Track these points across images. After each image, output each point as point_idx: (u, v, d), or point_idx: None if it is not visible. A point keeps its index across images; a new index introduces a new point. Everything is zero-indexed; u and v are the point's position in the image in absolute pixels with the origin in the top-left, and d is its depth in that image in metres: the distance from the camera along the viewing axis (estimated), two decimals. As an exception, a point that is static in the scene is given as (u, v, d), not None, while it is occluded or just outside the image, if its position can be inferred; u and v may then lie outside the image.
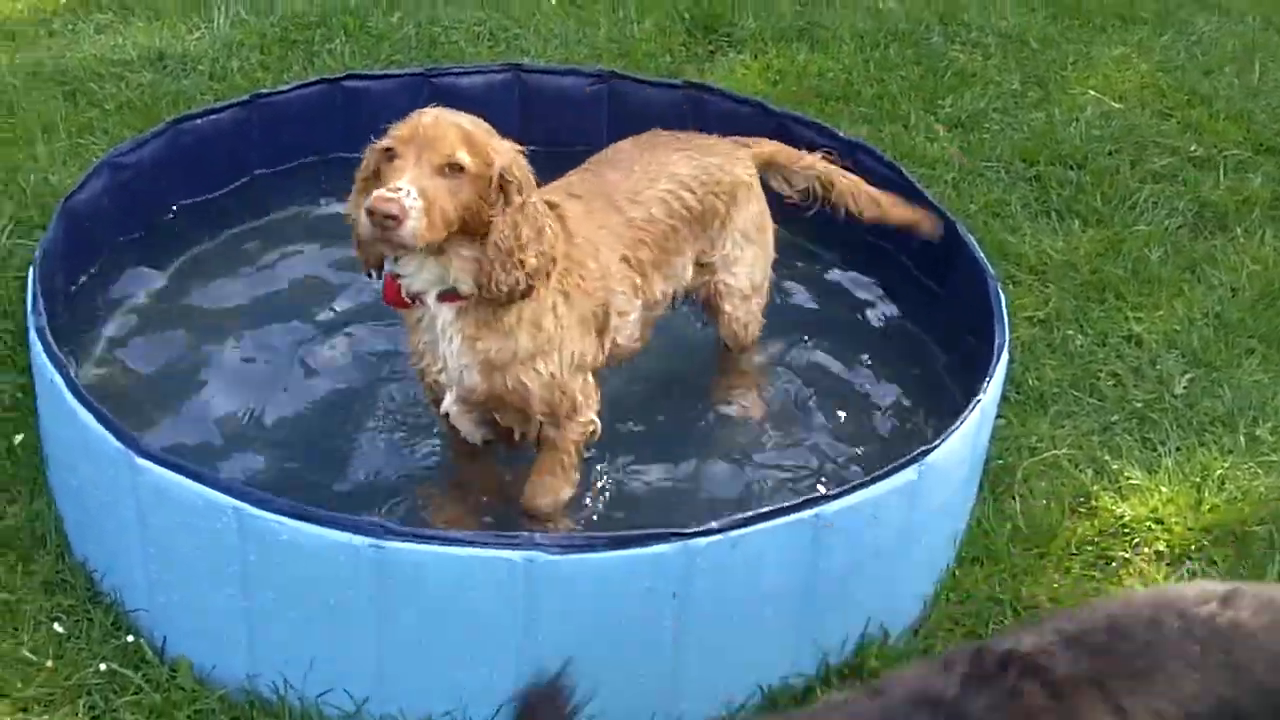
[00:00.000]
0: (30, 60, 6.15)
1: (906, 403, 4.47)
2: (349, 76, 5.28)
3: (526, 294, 3.58)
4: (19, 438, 4.21)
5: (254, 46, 6.26)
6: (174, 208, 4.99)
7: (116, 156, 4.72)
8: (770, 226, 4.36)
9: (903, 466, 3.57)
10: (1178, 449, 4.57)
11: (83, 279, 4.59)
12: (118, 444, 3.47)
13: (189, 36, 6.33)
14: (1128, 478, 4.43)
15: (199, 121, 4.97)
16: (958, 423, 3.72)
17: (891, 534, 3.63)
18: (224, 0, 6.53)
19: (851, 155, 4.88)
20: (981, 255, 4.45)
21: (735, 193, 4.23)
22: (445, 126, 3.49)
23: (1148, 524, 4.30)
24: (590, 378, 3.87)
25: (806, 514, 3.41)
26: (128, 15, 6.52)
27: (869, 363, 4.63)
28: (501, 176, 3.52)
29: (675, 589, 3.32)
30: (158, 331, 4.61)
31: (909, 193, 4.70)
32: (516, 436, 3.88)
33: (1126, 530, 4.28)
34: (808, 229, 4.97)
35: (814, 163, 4.45)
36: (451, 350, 3.70)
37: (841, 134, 4.97)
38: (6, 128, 5.66)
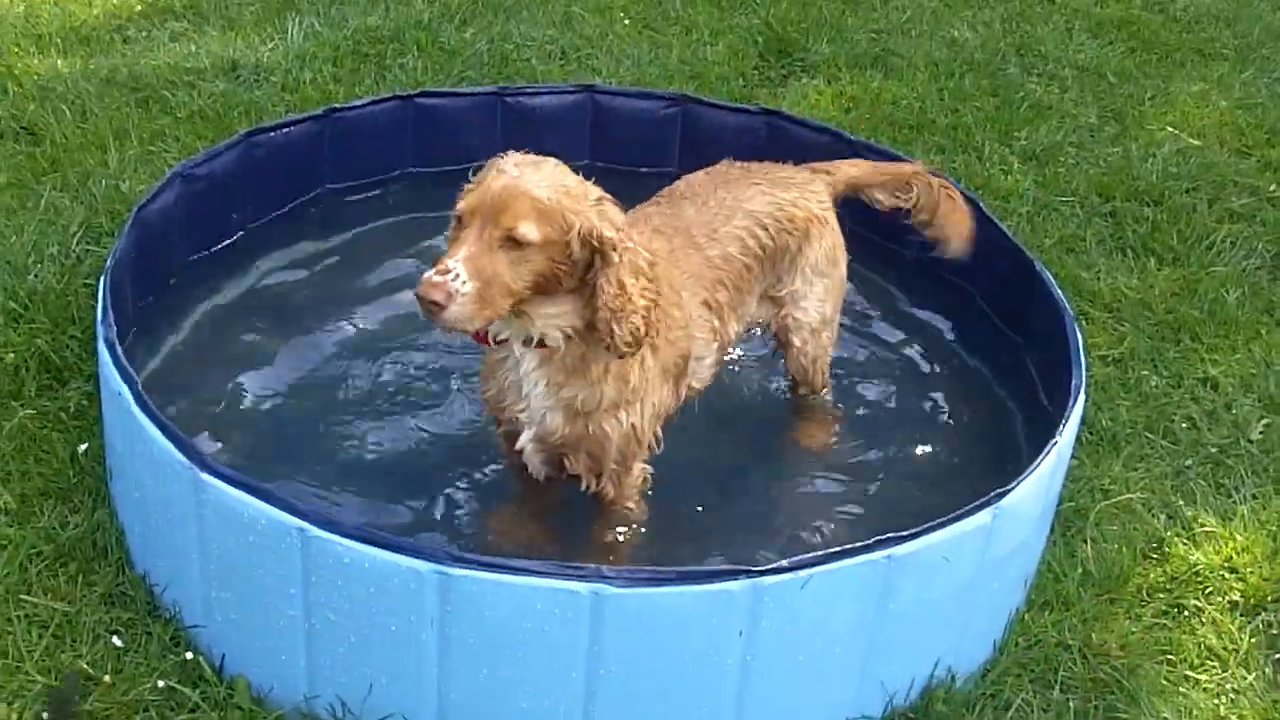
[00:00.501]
0: (104, 66, 6.18)
1: (979, 442, 4.40)
2: (422, 94, 5.27)
3: (643, 341, 3.51)
4: (83, 447, 4.21)
5: (327, 59, 6.27)
6: (246, 221, 4.99)
7: (189, 168, 4.72)
8: (843, 259, 4.29)
9: (977, 509, 3.50)
10: (1253, 496, 4.48)
11: (152, 289, 4.59)
12: (183, 459, 3.45)
13: (262, 47, 6.34)
14: (1201, 524, 4.34)
15: (272, 134, 4.98)
16: (1033, 466, 3.65)
17: (963, 577, 3.56)
18: (298, 12, 6.55)
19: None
20: (1059, 293, 4.38)
21: (808, 229, 4.16)
22: (513, 196, 3.35)
23: (1221, 572, 4.21)
24: (659, 428, 3.82)
25: (878, 555, 3.34)
26: (202, 24, 6.54)
27: (942, 401, 4.57)
28: (587, 239, 3.39)
29: (742, 626, 3.27)
30: (225, 346, 4.61)
31: (986, 226, 4.63)
32: (583, 485, 3.81)
33: (1199, 578, 4.19)
34: (882, 264, 4.93)
35: (902, 171, 4.40)
36: (536, 393, 3.65)
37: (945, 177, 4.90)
38: (79, 133, 5.68)
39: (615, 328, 3.44)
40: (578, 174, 3.55)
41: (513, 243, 3.34)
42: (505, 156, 3.50)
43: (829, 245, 4.22)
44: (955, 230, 4.40)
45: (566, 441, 3.69)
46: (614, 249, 3.41)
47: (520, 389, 3.67)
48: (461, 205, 3.41)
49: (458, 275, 3.29)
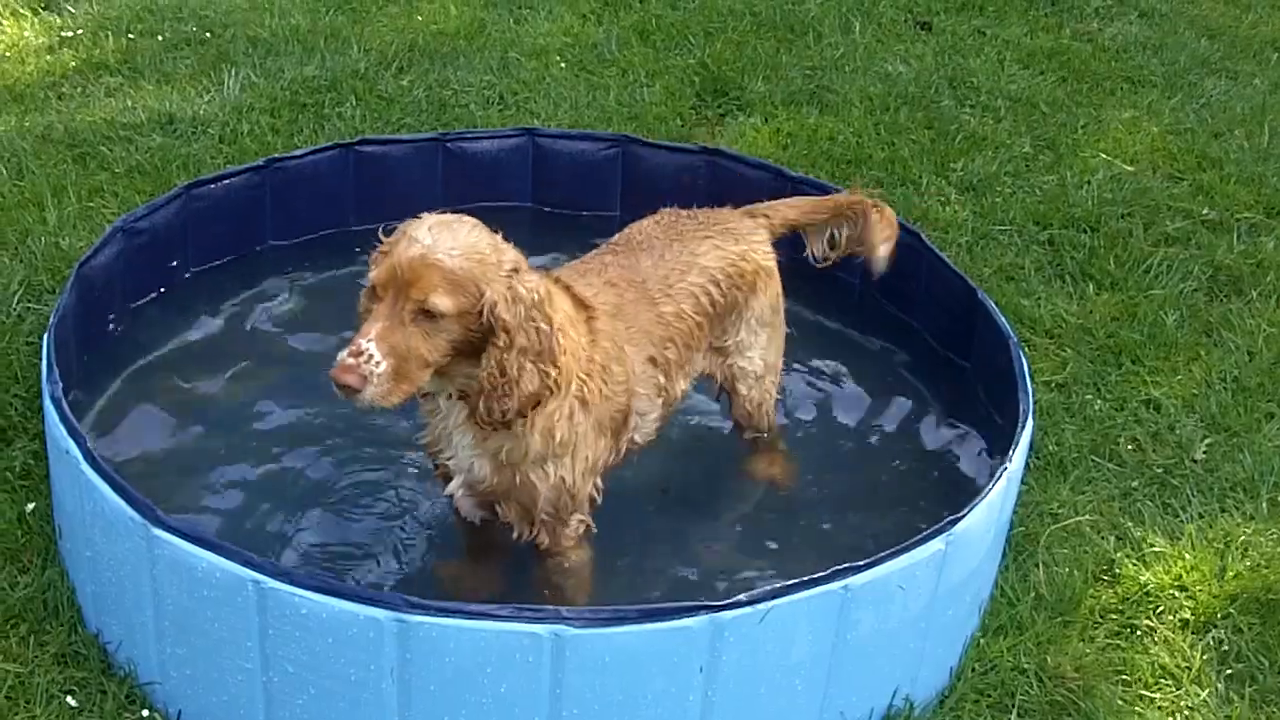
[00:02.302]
0: (40, 123, 6.14)
1: (929, 470, 4.44)
2: (363, 141, 5.27)
3: (517, 419, 3.48)
4: (30, 506, 4.16)
5: (264, 110, 6.25)
6: (187, 273, 4.97)
7: (130, 221, 4.70)
8: (782, 305, 4.32)
9: (930, 537, 3.53)
10: (1200, 515, 4.53)
11: (96, 345, 4.56)
12: (135, 514, 3.43)
13: (199, 100, 6.32)
14: (1150, 544, 4.39)
15: (212, 186, 4.96)
16: (984, 492, 3.68)
17: (918, 604, 3.58)
18: (233, 64, 6.53)
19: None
20: (1002, 319, 4.43)
21: (755, 281, 4.17)
22: (425, 266, 3.29)
23: (1171, 592, 4.25)
24: (598, 479, 3.79)
25: (835, 585, 3.37)
26: (137, 78, 6.51)
27: (890, 430, 4.60)
28: (490, 314, 3.35)
29: (702, 662, 3.28)
30: (170, 398, 4.58)
31: (928, 258, 4.69)
32: (515, 534, 3.79)
33: (1150, 598, 4.24)
34: (826, 295, 4.97)
35: (839, 203, 4.43)
36: (464, 444, 3.64)
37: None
38: (16, 191, 5.64)
39: (481, 403, 3.42)
40: (497, 233, 3.52)
41: (426, 315, 3.31)
42: (419, 220, 3.44)
43: (773, 294, 4.24)
44: (882, 236, 4.43)
45: (496, 490, 3.69)
46: (506, 331, 3.37)
47: (451, 438, 3.66)
48: (373, 275, 3.36)
49: (370, 356, 3.27)
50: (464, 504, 3.79)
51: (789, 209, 4.41)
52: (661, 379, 3.91)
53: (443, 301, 3.29)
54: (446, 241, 3.35)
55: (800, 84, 6.69)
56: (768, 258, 4.23)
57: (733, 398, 4.29)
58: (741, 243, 4.17)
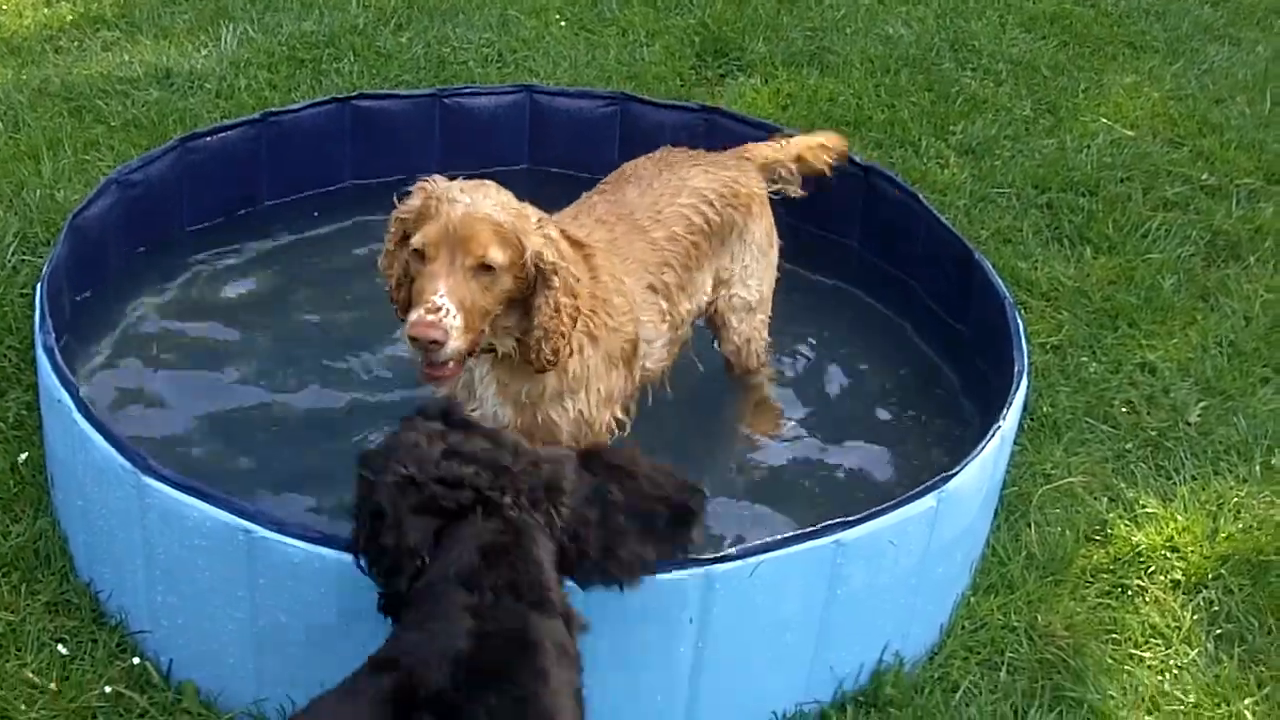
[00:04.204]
0: (36, 77, 6.11)
1: (922, 429, 4.44)
2: (360, 96, 5.24)
3: (563, 361, 3.62)
4: (23, 456, 4.16)
5: (261, 65, 6.23)
6: (181, 227, 4.95)
7: (124, 174, 4.67)
8: (777, 242, 4.37)
9: (922, 494, 3.53)
10: (1193, 477, 4.53)
11: (89, 296, 4.54)
12: (126, 463, 3.43)
13: (196, 54, 6.29)
14: (1143, 506, 4.40)
15: (208, 139, 4.93)
16: (977, 450, 3.68)
17: (909, 561, 3.58)
18: (231, 19, 6.51)
19: (867, 180, 4.87)
20: (999, 280, 4.42)
21: (751, 205, 4.23)
22: (476, 223, 3.44)
23: (1163, 552, 4.26)
24: (618, 410, 3.88)
25: (826, 540, 3.37)
26: (134, 33, 6.48)
27: (884, 389, 4.60)
28: (535, 263, 3.50)
29: (693, 614, 3.28)
30: (165, 351, 4.58)
31: (926, 219, 4.68)
32: None
33: (1142, 558, 4.24)
34: (818, 257, 4.96)
35: (787, 144, 4.49)
36: (488, 395, 3.74)
37: (857, 159, 4.94)
38: (11, 144, 5.62)
39: (543, 346, 3.55)
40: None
41: (484, 269, 3.44)
42: (438, 182, 3.57)
43: (768, 223, 4.32)
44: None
45: (521, 432, 3.72)
46: (555, 273, 3.52)
47: (473, 390, 3.75)
48: (421, 239, 3.46)
49: (447, 311, 3.38)
50: None
51: (757, 151, 4.45)
52: (663, 304, 3.98)
53: (498, 254, 3.43)
54: (488, 199, 3.50)
55: (801, 45, 6.66)
56: (761, 187, 4.32)
57: (722, 332, 4.34)
58: (732, 170, 4.25)
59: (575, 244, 3.76)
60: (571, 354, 3.64)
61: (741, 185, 4.22)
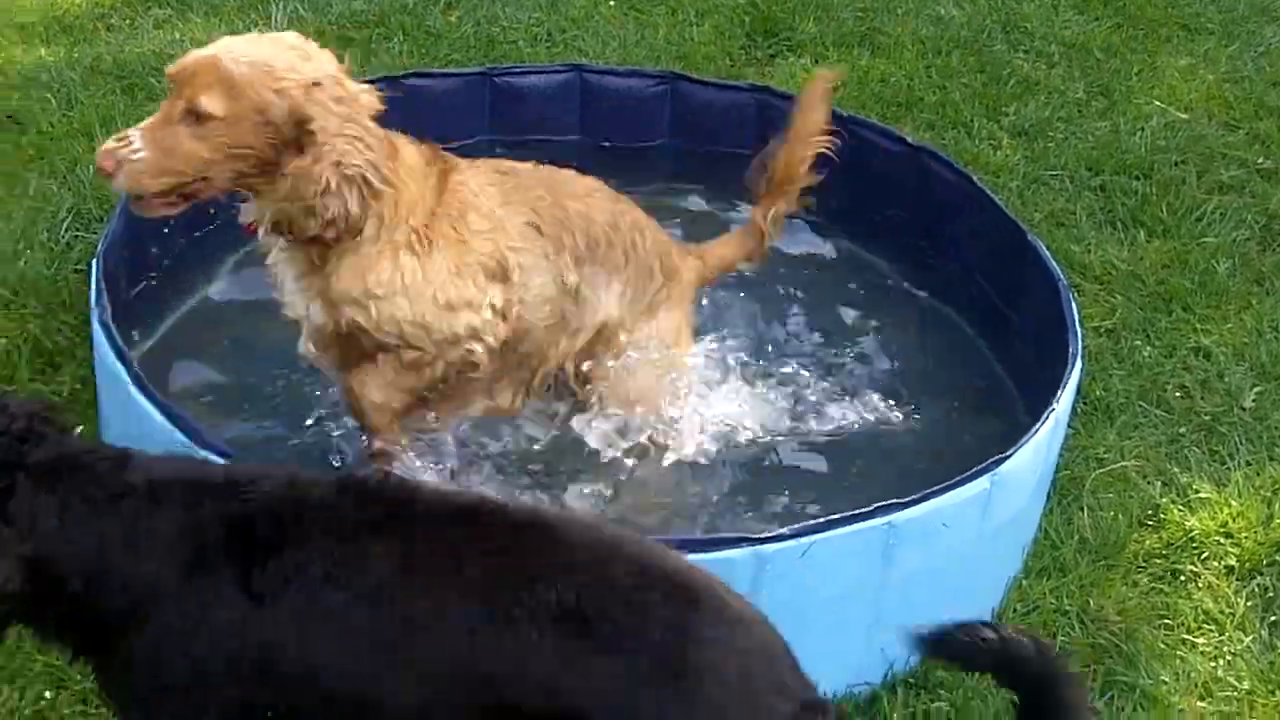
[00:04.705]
0: (89, 54, 6.14)
1: (973, 411, 4.41)
2: (411, 75, 5.24)
3: (335, 242, 3.44)
4: (78, 430, 4.16)
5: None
6: (233, 203, 4.95)
7: (179, 151, 4.68)
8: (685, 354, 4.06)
9: (975, 476, 3.51)
10: (1247, 463, 4.49)
11: (144, 272, 4.57)
12: (182, 437, 3.45)
13: (246, 33, 6.29)
14: (1196, 491, 4.36)
15: (260, 117, 4.93)
16: (1031, 432, 3.66)
17: (962, 543, 3.57)
18: (282, -3, 6.53)
19: (919, 161, 4.84)
20: (1053, 263, 4.39)
21: (672, 281, 4.00)
22: (200, 68, 3.28)
23: (1216, 538, 4.23)
24: (477, 319, 3.60)
25: (879, 521, 3.35)
26: (185, 11, 6.50)
27: (935, 370, 4.58)
28: (294, 124, 3.31)
29: (744, 594, 3.26)
30: (219, 327, 4.59)
31: (979, 200, 4.65)
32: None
33: (1195, 544, 4.21)
34: (868, 235, 4.94)
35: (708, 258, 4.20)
36: (287, 284, 3.61)
37: (909, 139, 4.92)
38: (65, 121, 5.66)
39: (296, 218, 3.41)
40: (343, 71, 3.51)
41: (195, 115, 3.30)
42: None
43: (679, 323, 4.06)
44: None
45: (339, 340, 3.61)
46: (320, 141, 3.32)
47: (280, 281, 3.63)
48: (168, 70, 3.39)
49: (129, 142, 3.33)
50: (322, 364, 3.78)
51: (713, 256, 4.20)
52: (550, 250, 3.74)
53: (212, 102, 3.28)
54: (238, 49, 3.36)
55: (851, 25, 6.62)
56: (691, 274, 4.09)
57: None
58: (674, 247, 4.07)
59: (434, 159, 3.60)
60: (345, 237, 3.42)
61: (676, 258, 3.98)
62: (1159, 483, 4.39)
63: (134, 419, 3.58)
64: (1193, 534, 4.22)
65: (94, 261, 4.07)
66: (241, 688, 2.53)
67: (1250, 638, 3.93)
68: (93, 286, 3.95)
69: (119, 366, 3.65)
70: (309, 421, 4.22)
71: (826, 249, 5.03)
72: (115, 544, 2.60)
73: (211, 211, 4.83)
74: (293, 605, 2.50)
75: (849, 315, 4.74)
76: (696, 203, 5.23)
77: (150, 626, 2.56)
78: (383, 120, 5.09)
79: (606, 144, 5.23)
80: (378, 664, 2.48)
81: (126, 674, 2.62)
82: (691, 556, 3.17)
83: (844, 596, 3.42)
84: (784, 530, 3.28)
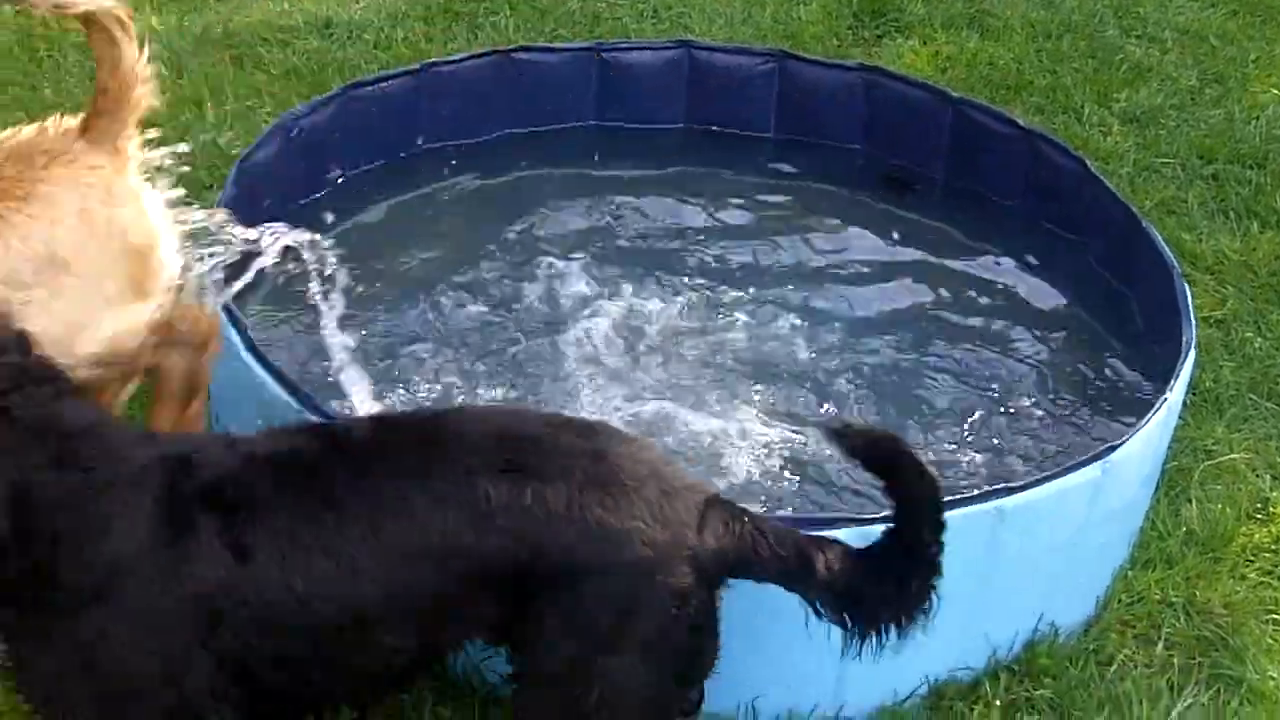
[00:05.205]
0: (198, 24, 6.22)
1: (1082, 399, 4.35)
2: (520, 49, 5.25)
3: None
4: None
5: (419, 17, 6.27)
6: (342, 173, 5.01)
7: (290, 120, 4.74)
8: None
9: (1086, 463, 3.47)
10: (1361, 459, 4.41)
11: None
12: (294, 403, 3.48)
13: (355, 5, 6.36)
14: (1308, 486, 4.29)
15: (370, 89, 4.98)
16: (1143, 421, 3.61)
17: (1070, 531, 3.53)
18: (391, -30, 6.56)
19: (1030, 144, 4.78)
20: (1167, 250, 4.33)
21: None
22: None
23: (1328, 535, 4.15)
24: None
25: (987, 505, 3.32)
26: (295, -18, 6.56)
27: (1046, 358, 4.51)
28: None
29: (852, 575, 3.25)
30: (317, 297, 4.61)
31: (1092, 186, 4.59)
32: None
33: (1305, 540, 4.14)
34: (977, 218, 4.90)
35: None
36: None
37: (1021, 122, 4.86)
38: (175, 89, 5.71)
39: None
40: None
41: None
42: None
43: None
44: None
45: None
46: None
47: None
48: None
49: None
50: None
51: None
52: None
53: None
54: None
55: (960, 7, 6.55)
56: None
57: None
58: None
59: None
60: None
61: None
62: (1269, 476, 4.31)
63: (247, 383, 3.62)
64: (1303, 529, 4.15)
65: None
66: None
67: (1361, 637, 3.86)
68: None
69: (232, 331, 3.69)
70: (412, 389, 4.26)
71: (934, 230, 4.99)
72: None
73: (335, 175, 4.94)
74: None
75: (958, 297, 4.69)
76: (797, 186, 5.21)
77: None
78: (489, 95, 5.17)
79: (711, 126, 5.22)
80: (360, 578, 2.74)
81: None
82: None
83: (949, 580, 3.36)
84: (889, 512, 3.25)
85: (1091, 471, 3.47)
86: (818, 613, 2.88)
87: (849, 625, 2.87)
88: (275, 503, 2.77)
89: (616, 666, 2.79)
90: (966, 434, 4.18)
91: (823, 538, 2.91)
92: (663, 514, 2.79)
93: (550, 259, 4.76)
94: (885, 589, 2.85)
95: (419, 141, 5.13)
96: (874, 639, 2.87)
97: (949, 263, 4.84)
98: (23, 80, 5.77)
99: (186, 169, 5.05)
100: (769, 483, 3.97)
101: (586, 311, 4.56)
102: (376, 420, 3.20)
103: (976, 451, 4.11)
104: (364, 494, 2.77)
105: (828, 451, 3.86)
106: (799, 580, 2.86)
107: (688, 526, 2.80)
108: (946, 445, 4.14)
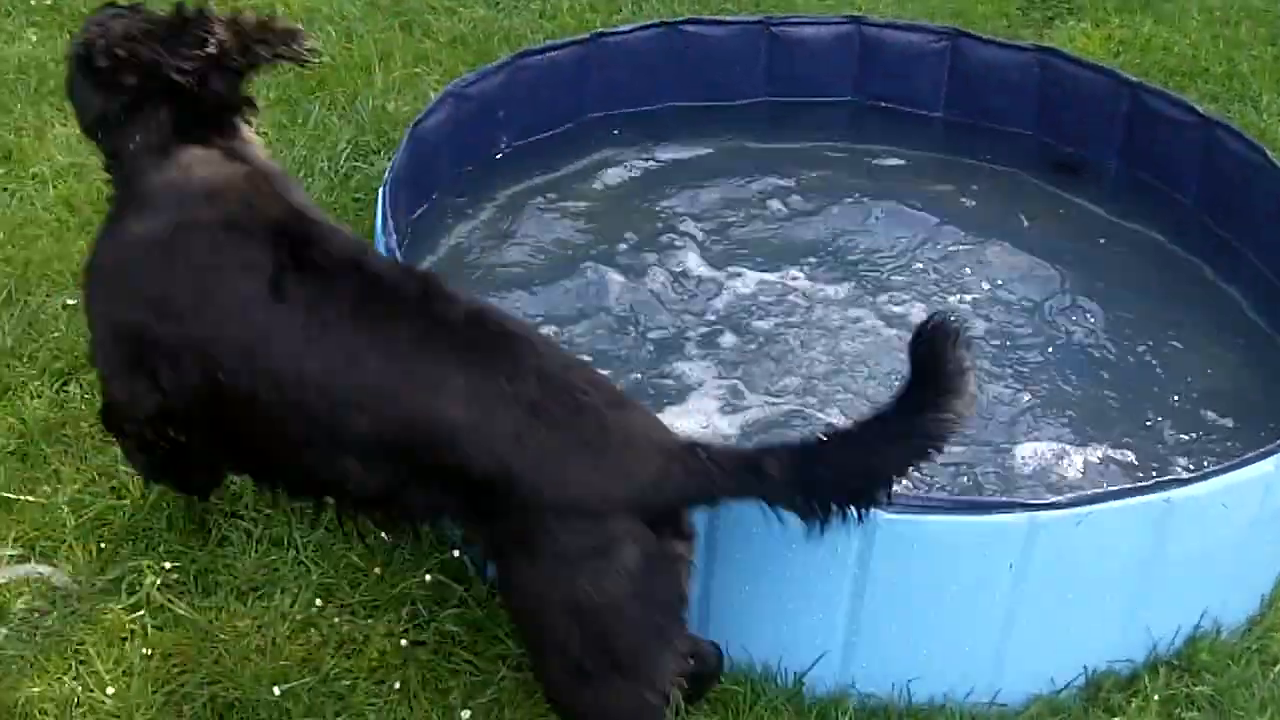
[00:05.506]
0: (368, -11, 6.31)
1: (1255, 392, 4.25)
2: (688, 21, 5.26)
3: None
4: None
5: (584, -13, 6.31)
6: (507, 143, 5.05)
7: (460, 87, 4.80)
8: None
9: (1260, 458, 3.39)
10: None
11: (421, 204, 4.69)
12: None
13: (523, -25, 6.40)
14: None
15: (539, 57, 5.03)
16: (1321, 417, 3.52)
17: (1240, 526, 3.45)
18: (558, -59, 6.58)
19: (1209, 133, 4.67)
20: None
21: None
22: None
23: None
24: None
25: (1156, 496, 3.26)
26: (465, -50, 6.62)
27: (1217, 351, 4.42)
28: None
29: (1013, 560, 3.22)
30: (487, 264, 4.67)
31: (1272, 176, 4.47)
32: None
33: None
34: (1151, 205, 4.81)
35: None
36: None
37: (1200, 109, 4.75)
38: (345, 54, 5.82)
39: None
40: None
41: None
42: None
43: None
44: None
45: None
46: None
47: None
48: None
49: None
50: None
51: None
52: None
53: None
54: None
55: (1135, -10, 6.43)
56: None
57: None
58: None
59: None
60: None
61: None
62: None
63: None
64: None
65: (381, 190, 4.18)
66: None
67: None
68: (380, 214, 4.06)
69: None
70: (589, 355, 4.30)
71: (1104, 216, 4.91)
72: None
73: (501, 145, 4.98)
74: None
75: (1128, 286, 4.61)
76: (973, 164, 5.16)
77: None
78: (655, 66, 5.17)
79: (882, 104, 5.18)
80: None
81: None
82: (962, 518, 3.18)
83: (1114, 570, 3.34)
84: (1060, 499, 3.22)
85: (1265, 466, 3.38)
86: (778, 516, 2.91)
87: (805, 514, 2.88)
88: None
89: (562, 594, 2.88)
90: (1130, 425, 4.11)
91: (766, 445, 2.98)
92: (615, 461, 2.88)
93: (703, 234, 4.78)
94: (843, 475, 2.86)
95: (585, 110, 5.16)
96: (830, 522, 2.88)
97: (1116, 248, 4.75)
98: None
99: (356, 133, 5.25)
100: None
101: (730, 291, 4.56)
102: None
103: (1142, 442, 4.04)
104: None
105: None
106: (754, 490, 2.89)
107: (634, 474, 2.87)
108: (1111, 431, 4.07)
